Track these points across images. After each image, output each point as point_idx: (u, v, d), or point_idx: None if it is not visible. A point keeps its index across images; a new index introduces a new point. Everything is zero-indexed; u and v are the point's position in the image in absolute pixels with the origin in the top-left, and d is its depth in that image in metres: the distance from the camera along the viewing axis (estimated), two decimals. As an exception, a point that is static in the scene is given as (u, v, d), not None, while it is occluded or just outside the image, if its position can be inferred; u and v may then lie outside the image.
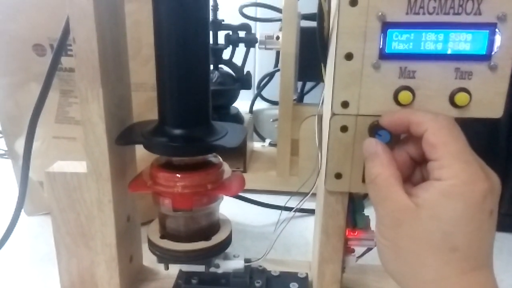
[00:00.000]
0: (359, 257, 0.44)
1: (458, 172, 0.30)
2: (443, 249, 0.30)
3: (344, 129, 0.37)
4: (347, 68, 0.35)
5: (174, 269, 0.48)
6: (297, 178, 0.73)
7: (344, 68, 0.35)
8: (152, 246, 0.43)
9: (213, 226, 0.44)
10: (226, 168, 0.44)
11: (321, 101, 0.43)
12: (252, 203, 0.70)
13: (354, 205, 0.42)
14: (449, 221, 0.30)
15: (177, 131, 0.40)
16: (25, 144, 0.48)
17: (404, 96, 0.35)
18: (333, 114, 0.37)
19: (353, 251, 0.43)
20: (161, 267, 0.48)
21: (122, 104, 0.42)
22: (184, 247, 0.42)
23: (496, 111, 0.36)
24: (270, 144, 0.88)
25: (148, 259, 0.52)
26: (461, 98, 0.35)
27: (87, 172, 0.41)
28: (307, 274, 0.49)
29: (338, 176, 0.38)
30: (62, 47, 0.41)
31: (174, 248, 0.42)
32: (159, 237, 0.43)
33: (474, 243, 0.31)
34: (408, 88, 0.35)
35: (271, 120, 0.86)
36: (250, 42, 0.74)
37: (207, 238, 0.43)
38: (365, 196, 0.44)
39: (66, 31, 0.39)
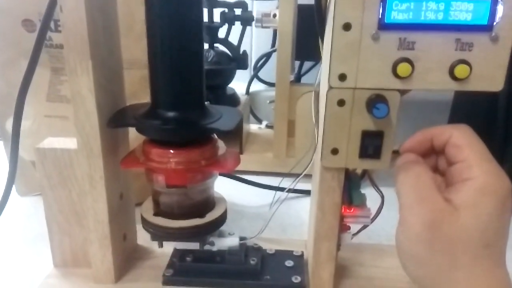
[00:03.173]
0: (354, 234, 0.43)
1: (487, 169, 0.31)
2: (477, 247, 0.31)
3: (341, 103, 0.36)
4: (345, 39, 0.34)
5: (169, 247, 0.47)
6: (294, 160, 0.73)
7: (342, 39, 0.34)
8: (146, 224, 0.42)
9: (208, 204, 0.44)
10: (221, 144, 0.43)
11: (318, 76, 0.42)
12: (247, 183, 0.69)
13: (350, 182, 0.41)
14: (486, 218, 0.30)
15: (170, 114, 0.39)
16: (14, 122, 0.47)
17: (403, 68, 0.34)
18: (330, 88, 0.36)
19: (348, 228, 0.43)
20: (155, 245, 0.47)
21: (114, 79, 0.41)
22: (177, 224, 0.41)
23: (496, 84, 0.35)
24: (267, 126, 0.88)
25: (143, 238, 0.51)
26: (461, 70, 0.34)
27: (78, 147, 0.40)
28: (302, 252, 0.48)
29: (335, 151, 0.38)
30: (49, 18, 0.39)
31: (168, 225, 0.41)
32: (153, 214, 0.42)
33: (500, 239, 0.31)
34: (407, 60, 0.34)
35: (268, 101, 0.85)
36: (247, 20, 0.72)
37: (201, 215, 0.42)
38: (362, 176, 0.43)
39: (53, 1, 0.38)
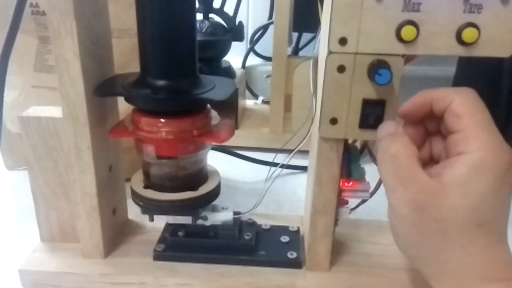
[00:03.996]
0: (353, 209, 0.42)
1: (486, 142, 0.29)
2: (470, 226, 0.29)
3: (341, 69, 0.34)
4: (346, -1, 0.32)
5: (160, 222, 0.46)
6: (290, 135, 0.71)
7: (343, -2, 0.32)
8: (136, 197, 0.41)
9: (200, 176, 0.42)
10: (214, 114, 0.41)
11: (317, 43, 0.40)
12: (241, 158, 0.68)
13: (349, 155, 0.39)
14: (478, 197, 0.29)
15: (161, 83, 0.37)
16: None
17: (408, 31, 0.32)
18: (329, 52, 0.34)
19: (346, 203, 0.41)
20: (146, 220, 0.46)
21: (101, 43, 0.39)
22: (169, 197, 0.39)
23: (505, 49, 0.33)
24: (263, 102, 0.85)
25: (134, 213, 0.50)
26: (469, 34, 0.32)
27: (63, 116, 0.38)
28: (298, 227, 0.47)
29: (334, 121, 0.36)
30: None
31: (159, 198, 0.39)
32: (143, 187, 0.41)
33: (497, 217, 0.29)
34: (412, 22, 0.32)
35: (265, 76, 0.83)
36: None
37: (194, 188, 0.40)
38: (362, 150, 0.41)
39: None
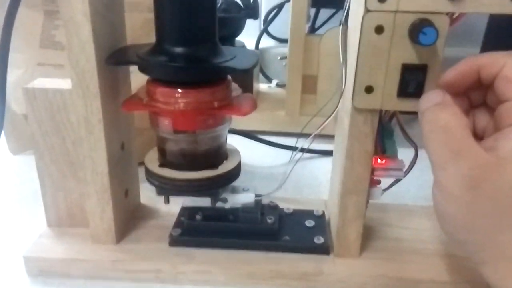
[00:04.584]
0: (385, 189, 0.39)
1: None
2: None
3: (379, 30, 0.31)
4: (387, -52, 0.28)
5: (175, 206, 0.43)
6: (307, 119, 0.67)
7: None
8: (151, 176, 0.37)
9: (220, 154, 0.39)
10: (235, 86, 0.38)
11: (347, 4, 0.37)
12: (262, 143, 0.64)
13: (383, 129, 0.36)
14: None
15: (179, 50, 0.34)
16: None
17: (457, -15, 0.28)
18: (366, 11, 0.30)
19: (378, 182, 0.38)
20: (160, 203, 0.43)
21: (113, 7, 0.36)
22: (187, 176, 0.36)
23: None
24: (277, 85, 0.82)
25: (147, 196, 0.47)
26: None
27: (72, 86, 0.34)
28: (323, 211, 0.44)
29: (369, 89, 0.32)
30: None
31: (176, 177, 0.36)
32: (158, 165, 0.37)
33: None
34: (461, -25, 0.28)
35: (279, 57, 0.79)
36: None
37: (213, 166, 0.37)
38: (390, 119, 0.38)
39: None
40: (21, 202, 0.50)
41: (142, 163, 0.39)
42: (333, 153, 0.43)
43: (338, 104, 0.38)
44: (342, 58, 0.37)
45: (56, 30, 0.55)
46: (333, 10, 0.76)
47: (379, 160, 0.36)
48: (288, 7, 0.65)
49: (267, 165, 0.60)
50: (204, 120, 0.35)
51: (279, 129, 0.68)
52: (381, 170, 0.36)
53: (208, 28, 0.35)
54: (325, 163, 0.60)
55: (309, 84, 0.66)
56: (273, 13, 0.80)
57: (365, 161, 0.35)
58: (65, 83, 0.37)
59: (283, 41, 0.84)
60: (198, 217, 0.41)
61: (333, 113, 0.39)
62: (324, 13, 0.78)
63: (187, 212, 0.41)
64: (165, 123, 0.35)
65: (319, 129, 0.38)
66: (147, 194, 0.46)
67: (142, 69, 0.35)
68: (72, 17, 0.32)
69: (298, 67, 0.65)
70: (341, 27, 0.38)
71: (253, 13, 0.68)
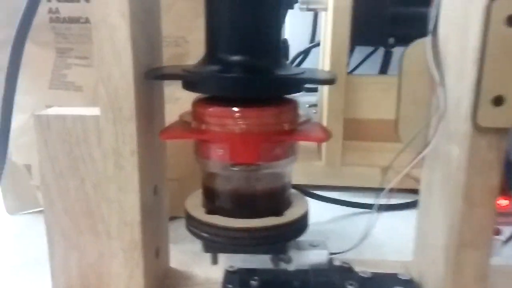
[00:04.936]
0: (506, 241, 0.29)
1: None
2: None
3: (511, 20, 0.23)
4: None
5: (213, 271, 0.33)
6: (349, 169, 0.59)
7: None
8: (196, 226, 0.28)
9: (285, 197, 0.30)
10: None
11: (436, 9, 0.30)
12: (335, 203, 0.55)
13: (508, 158, 0.28)
14: None
15: (239, 59, 0.26)
16: (2, 115, 0.34)
17: None
18: (493, -2, 0.23)
19: (497, 232, 0.29)
20: (195, 266, 0.34)
21: (151, 15, 0.29)
22: (245, 224, 0.27)
23: None
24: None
25: (175, 259, 0.37)
26: None
27: (100, 108, 0.26)
28: (411, 276, 0.34)
29: (498, 101, 0.24)
30: None
31: (232, 226, 0.27)
32: (205, 212, 0.29)
33: None
34: None
35: (307, 105, 0.73)
36: (289, 1, 0.60)
37: (277, 213, 0.28)
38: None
39: None
40: (20, 270, 0.40)
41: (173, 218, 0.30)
42: (421, 199, 0.34)
43: (436, 131, 0.30)
44: (436, 75, 0.30)
45: (68, 69, 0.48)
46: (370, 49, 0.70)
47: (502, 202, 0.27)
48: (315, 52, 0.59)
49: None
50: (271, 149, 0.27)
51: (317, 182, 0.60)
52: (504, 216, 0.28)
53: (275, 33, 0.28)
54: (396, 218, 0.51)
55: (351, 129, 0.59)
56: (298, 59, 0.75)
57: (488, 201, 0.26)
58: (85, 111, 0.29)
59: (309, 90, 0.78)
60: (253, 283, 0.31)
61: (430, 143, 0.30)
62: (360, 53, 0.72)
63: (238, 278, 0.31)
64: (219, 153, 0.27)
65: (413, 163, 0.30)
66: (177, 255, 0.37)
67: (190, 86, 0.27)
68: (106, 17, 0.25)
69: (338, 111, 0.58)
70: (429, 38, 0.31)
71: (284, 54, 0.62)
